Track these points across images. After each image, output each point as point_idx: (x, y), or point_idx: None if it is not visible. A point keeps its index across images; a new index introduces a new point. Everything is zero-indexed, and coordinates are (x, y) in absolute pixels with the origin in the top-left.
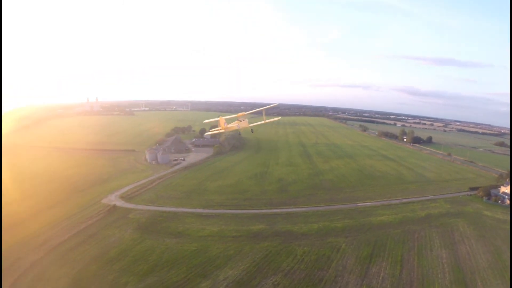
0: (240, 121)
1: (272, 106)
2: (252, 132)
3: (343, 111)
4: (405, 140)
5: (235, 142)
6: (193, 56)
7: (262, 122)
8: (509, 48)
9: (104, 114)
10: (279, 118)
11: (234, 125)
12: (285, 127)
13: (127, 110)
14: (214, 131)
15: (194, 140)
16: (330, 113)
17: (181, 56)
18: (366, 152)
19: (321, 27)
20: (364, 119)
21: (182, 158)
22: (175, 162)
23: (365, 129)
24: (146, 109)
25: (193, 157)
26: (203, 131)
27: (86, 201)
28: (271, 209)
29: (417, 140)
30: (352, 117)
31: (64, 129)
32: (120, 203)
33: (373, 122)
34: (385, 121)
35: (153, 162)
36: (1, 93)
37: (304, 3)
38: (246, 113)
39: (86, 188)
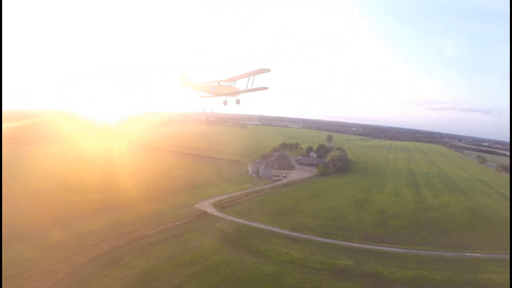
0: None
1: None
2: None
3: (460, 138)
4: None
5: (341, 164)
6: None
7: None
8: None
9: (218, 125)
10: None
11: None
12: (396, 153)
13: (240, 122)
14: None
15: (299, 157)
16: (445, 140)
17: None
18: (482, 189)
19: (435, 41)
20: (482, 149)
21: (283, 175)
22: (276, 178)
23: (483, 161)
24: (258, 123)
25: (295, 174)
26: (310, 149)
27: (181, 202)
28: (364, 243)
29: None
30: (469, 145)
31: (178, 135)
32: (211, 210)
33: (492, 153)
34: (506, 152)
35: (254, 175)
36: (1, 93)
37: (414, 12)
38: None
39: (185, 190)
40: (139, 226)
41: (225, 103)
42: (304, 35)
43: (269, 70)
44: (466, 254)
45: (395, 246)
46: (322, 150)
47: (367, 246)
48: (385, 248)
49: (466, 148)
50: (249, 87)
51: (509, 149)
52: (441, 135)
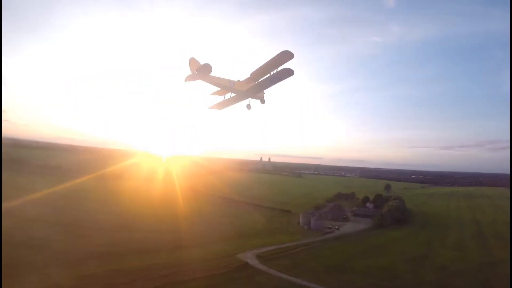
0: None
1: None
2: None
3: None
4: None
5: (399, 215)
6: None
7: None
8: None
9: (274, 173)
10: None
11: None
12: (459, 200)
13: (296, 172)
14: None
15: (354, 208)
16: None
17: None
18: None
19: (495, 78)
20: None
21: (336, 227)
22: (328, 230)
23: None
24: (316, 172)
25: (349, 226)
26: (366, 199)
27: (223, 251)
28: None
29: None
30: None
31: (233, 182)
32: (253, 262)
33: None
34: None
35: (305, 227)
36: (1, 93)
37: (467, 48)
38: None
39: (231, 238)
40: (174, 271)
41: (248, 107)
42: None
43: (293, 55)
44: None
45: None
46: (379, 201)
47: None
48: None
49: None
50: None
51: None
52: (506, 176)
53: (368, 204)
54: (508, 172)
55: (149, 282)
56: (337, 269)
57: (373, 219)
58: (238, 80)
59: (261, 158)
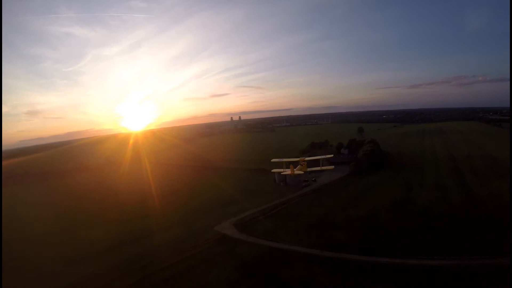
0: (302, 165)
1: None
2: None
3: (495, 110)
4: None
5: (375, 159)
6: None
7: (319, 168)
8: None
9: (246, 132)
10: (332, 167)
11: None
12: (431, 136)
13: (269, 126)
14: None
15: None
16: (480, 115)
17: None
18: None
19: (459, 15)
20: None
21: (313, 179)
22: (304, 184)
23: None
24: (287, 124)
25: (326, 177)
26: (340, 146)
27: (201, 226)
28: (407, 258)
29: None
30: (505, 117)
31: (204, 148)
32: (231, 231)
33: None
34: None
35: (281, 184)
36: (1, 94)
37: None
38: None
39: (207, 210)
40: (154, 259)
41: None
42: None
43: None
44: None
45: (444, 257)
46: (353, 145)
47: (411, 261)
48: (432, 262)
49: (504, 121)
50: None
51: None
52: (474, 110)
53: (343, 150)
54: (474, 105)
55: (130, 277)
56: (318, 226)
57: (349, 166)
58: None
59: (231, 118)
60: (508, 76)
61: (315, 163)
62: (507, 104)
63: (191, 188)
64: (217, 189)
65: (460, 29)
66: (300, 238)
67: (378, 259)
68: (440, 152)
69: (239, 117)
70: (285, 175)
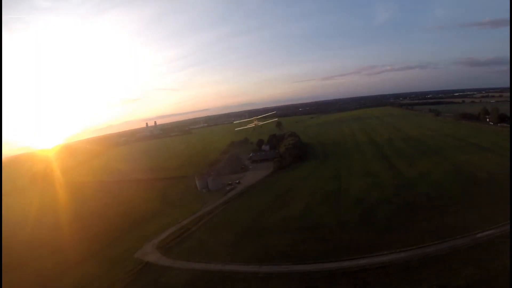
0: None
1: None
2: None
3: (404, 96)
4: (488, 120)
5: (298, 152)
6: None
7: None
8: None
9: (163, 137)
10: (276, 119)
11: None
12: (350, 124)
13: (186, 129)
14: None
15: (251, 155)
16: (391, 101)
17: None
18: (453, 143)
19: (367, 10)
20: (430, 102)
21: (237, 181)
22: (228, 188)
23: (438, 113)
24: (205, 125)
25: (250, 177)
26: (260, 142)
27: (119, 253)
28: (355, 258)
29: (503, 118)
30: (416, 101)
31: (118, 159)
32: (155, 257)
33: (439, 103)
34: (452, 100)
35: (204, 190)
36: (1, 101)
37: None
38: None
39: (124, 233)
40: None
41: None
42: None
43: None
44: (478, 235)
45: (393, 251)
46: (274, 140)
47: (361, 261)
48: (383, 258)
49: (414, 104)
50: None
51: (451, 97)
52: (385, 96)
53: (264, 147)
54: (384, 93)
55: None
56: (249, 234)
57: (273, 162)
58: None
59: (147, 124)
60: (412, 64)
61: (235, 164)
62: (414, 90)
63: (106, 208)
64: (135, 205)
65: (368, 22)
66: (233, 251)
67: (324, 266)
68: (361, 138)
69: (155, 122)
70: (207, 181)
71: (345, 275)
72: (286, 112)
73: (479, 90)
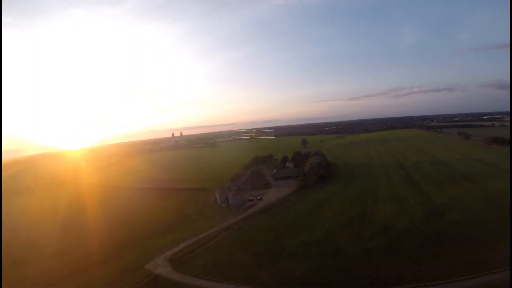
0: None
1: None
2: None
3: (432, 118)
4: None
5: (323, 171)
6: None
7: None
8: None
9: (188, 148)
10: (273, 137)
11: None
12: (376, 145)
13: (211, 142)
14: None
15: (274, 171)
16: (419, 123)
17: None
18: (484, 169)
19: (394, 33)
20: (458, 125)
21: (258, 197)
22: (249, 204)
23: (467, 137)
24: (230, 139)
25: (272, 194)
26: (285, 159)
27: (130, 263)
28: None
29: None
30: (444, 124)
31: (139, 167)
32: (165, 270)
33: (468, 126)
34: (481, 123)
35: (223, 205)
36: (1, 101)
37: (369, 8)
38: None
39: (139, 241)
40: None
41: None
42: None
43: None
44: None
45: (423, 284)
46: (299, 158)
47: None
48: None
49: (442, 127)
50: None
51: (479, 119)
52: (412, 118)
53: (288, 164)
54: (412, 114)
55: None
56: (267, 256)
57: (297, 180)
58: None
59: (173, 134)
60: (441, 87)
61: (258, 180)
62: (442, 112)
63: (122, 214)
64: (151, 214)
65: (395, 45)
66: (248, 274)
67: None
68: (387, 160)
69: (181, 132)
70: (227, 195)
71: None
72: (312, 131)
73: (508, 114)
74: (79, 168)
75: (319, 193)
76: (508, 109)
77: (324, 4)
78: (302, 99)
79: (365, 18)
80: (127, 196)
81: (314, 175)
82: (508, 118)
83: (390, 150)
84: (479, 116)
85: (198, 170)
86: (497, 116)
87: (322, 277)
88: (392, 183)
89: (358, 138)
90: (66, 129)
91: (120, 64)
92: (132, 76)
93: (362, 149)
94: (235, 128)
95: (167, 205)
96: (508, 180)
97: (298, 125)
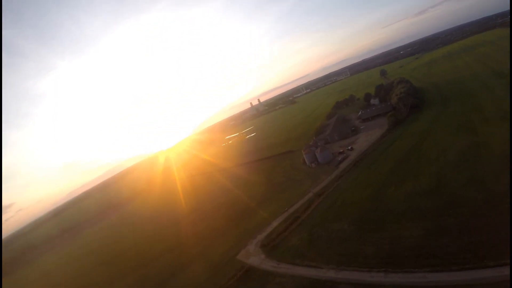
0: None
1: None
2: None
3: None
4: None
5: (413, 100)
6: None
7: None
8: None
9: (269, 112)
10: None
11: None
12: (461, 56)
13: (289, 99)
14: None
15: (360, 113)
16: (499, 21)
17: None
18: None
19: None
20: None
21: (348, 147)
22: (340, 158)
23: None
24: (308, 90)
25: (363, 140)
26: (368, 97)
27: (221, 254)
28: None
29: None
30: None
31: (224, 147)
32: (258, 259)
33: None
34: None
35: (313, 165)
36: (1, 95)
37: None
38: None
39: (231, 227)
40: None
41: None
42: None
43: None
44: None
45: None
46: (383, 92)
47: None
48: None
49: None
50: None
51: None
52: (491, 18)
53: (372, 101)
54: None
55: None
56: (370, 222)
57: (386, 117)
58: None
59: (251, 103)
60: None
61: (344, 127)
62: None
63: (212, 200)
64: (239, 194)
65: None
66: (348, 251)
67: (474, 274)
68: (480, 70)
69: (258, 100)
70: (315, 153)
71: None
72: (387, 59)
73: None
74: (173, 163)
75: (415, 126)
76: None
77: None
78: (367, 28)
79: None
80: (217, 180)
81: (404, 106)
82: None
83: (479, 58)
84: None
85: (282, 133)
86: None
87: (442, 246)
88: (497, 97)
89: (439, 53)
90: (153, 135)
91: (188, 54)
92: (203, 63)
93: (447, 64)
94: (311, 79)
95: (256, 178)
96: None
97: (371, 58)
